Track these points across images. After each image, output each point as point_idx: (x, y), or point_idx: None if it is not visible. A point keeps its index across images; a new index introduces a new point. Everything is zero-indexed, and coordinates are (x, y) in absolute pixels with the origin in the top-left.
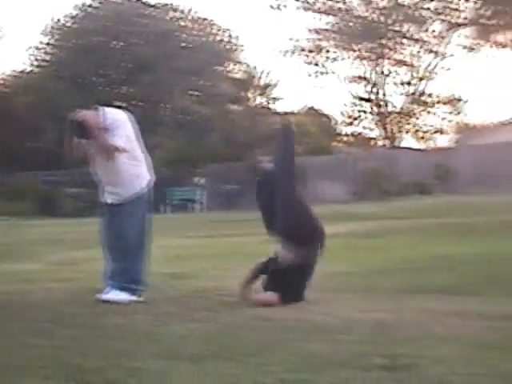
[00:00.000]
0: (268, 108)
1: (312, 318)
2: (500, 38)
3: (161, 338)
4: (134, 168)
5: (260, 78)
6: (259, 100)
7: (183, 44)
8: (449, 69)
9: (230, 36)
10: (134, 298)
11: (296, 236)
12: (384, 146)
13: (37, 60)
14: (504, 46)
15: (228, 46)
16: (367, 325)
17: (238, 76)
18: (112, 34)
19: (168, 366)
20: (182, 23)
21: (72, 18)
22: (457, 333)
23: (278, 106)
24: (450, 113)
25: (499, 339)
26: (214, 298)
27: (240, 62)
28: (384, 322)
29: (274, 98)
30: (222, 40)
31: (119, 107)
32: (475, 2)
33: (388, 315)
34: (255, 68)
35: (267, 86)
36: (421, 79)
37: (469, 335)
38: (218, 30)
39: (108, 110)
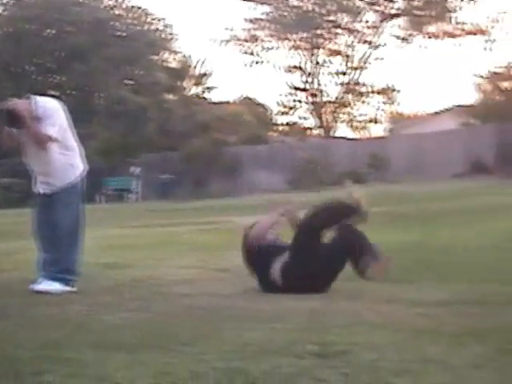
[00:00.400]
0: (203, 97)
1: (247, 307)
2: (432, 28)
3: (94, 328)
4: (66, 158)
5: (195, 67)
6: (195, 89)
7: (118, 33)
8: (382, 59)
9: (164, 25)
10: (67, 288)
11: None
12: (319, 135)
13: None
14: (436, 36)
15: (163, 35)
16: (302, 313)
17: (173, 65)
18: (45, 22)
19: (101, 355)
20: (117, 12)
21: (3, 4)
22: (389, 320)
23: (214, 96)
24: (384, 102)
25: (431, 325)
26: (148, 287)
27: (175, 52)
28: (318, 310)
29: (209, 88)
30: (156, 29)
31: (52, 96)
32: None
33: (322, 303)
34: (190, 57)
35: (203, 75)
36: (355, 69)
37: (401, 322)
38: (153, 19)
39: (40, 98)
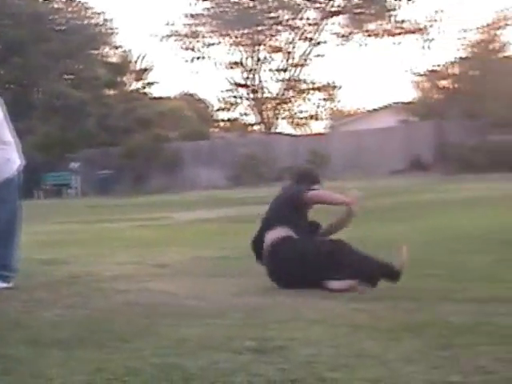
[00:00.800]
0: (144, 93)
1: (185, 303)
2: (372, 26)
3: (29, 325)
4: (3, 152)
5: (136, 62)
6: (135, 85)
7: (57, 27)
8: (323, 56)
9: (104, 19)
10: (4, 284)
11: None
12: (260, 131)
13: None
14: (376, 34)
15: (103, 30)
16: (240, 308)
17: (113, 60)
18: None
19: (36, 352)
20: (56, 5)
21: None
22: (327, 315)
23: (154, 91)
24: (325, 99)
25: (367, 321)
26: (86, 283)
27: (115, 46)
28: (257, 306)
29: (149, 83)
30: (96, 23)
31: None
32: None
33: (260, 299)
34: (131, 52)
35: (143, 70)
36: (296, 66)
37: (339, 317)
38: (93, 13)
39: None
